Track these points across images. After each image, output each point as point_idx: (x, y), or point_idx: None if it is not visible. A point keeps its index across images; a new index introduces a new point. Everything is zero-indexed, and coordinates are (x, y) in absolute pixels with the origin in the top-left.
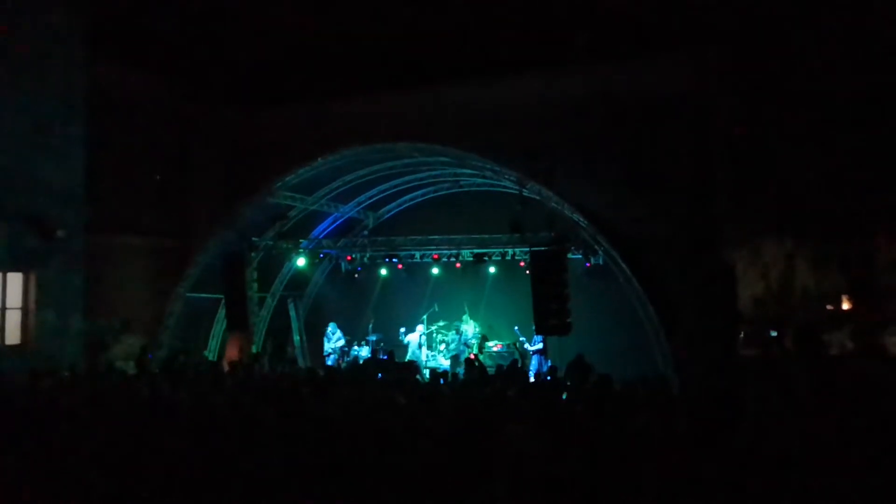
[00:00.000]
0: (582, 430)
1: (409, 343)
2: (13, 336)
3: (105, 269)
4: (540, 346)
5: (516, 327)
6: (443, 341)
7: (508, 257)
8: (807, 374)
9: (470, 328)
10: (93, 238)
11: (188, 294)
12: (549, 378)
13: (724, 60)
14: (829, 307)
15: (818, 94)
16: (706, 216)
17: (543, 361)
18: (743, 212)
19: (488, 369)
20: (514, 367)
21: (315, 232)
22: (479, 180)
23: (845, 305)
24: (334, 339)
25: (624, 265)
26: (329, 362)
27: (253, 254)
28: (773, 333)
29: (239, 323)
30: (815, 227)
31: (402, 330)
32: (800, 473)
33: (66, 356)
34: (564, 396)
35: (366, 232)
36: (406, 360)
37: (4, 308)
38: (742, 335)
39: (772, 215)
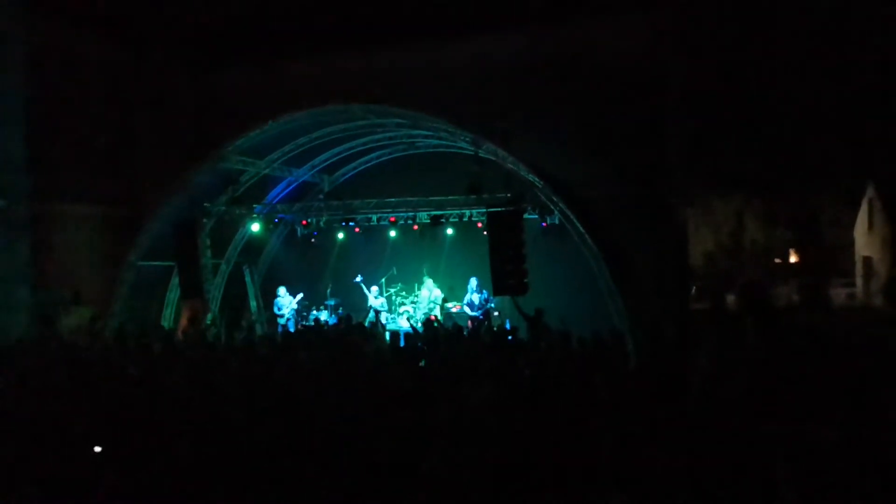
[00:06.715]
0: (534, 388)
1: (371, 306)
2: None
3: (53, 238)
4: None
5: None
6: (402, 304)
7: (466, 219)
8: (753, 328)
9: (433, 291)
10: (38, 207)
11: (140, 262)
12: (509, 338)
13: (676, 20)
14: (777, 261)
15: (768, 53)
16: (659, 174)
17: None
18: (695, 170)
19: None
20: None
21: (269, 197)
22: (435, 141)
23: (793, 259)
24: (289, 303)
25: (578, 224)
26: (290, 328)
27: (205, 220)
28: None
29: (193, 290)
30: (765, 184)
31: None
32: (750, 424)
33: (15, 329)
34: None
35: (321, 196)
36: (366, 322)
37: None
38: (693, 290)
39: (723, 173)
